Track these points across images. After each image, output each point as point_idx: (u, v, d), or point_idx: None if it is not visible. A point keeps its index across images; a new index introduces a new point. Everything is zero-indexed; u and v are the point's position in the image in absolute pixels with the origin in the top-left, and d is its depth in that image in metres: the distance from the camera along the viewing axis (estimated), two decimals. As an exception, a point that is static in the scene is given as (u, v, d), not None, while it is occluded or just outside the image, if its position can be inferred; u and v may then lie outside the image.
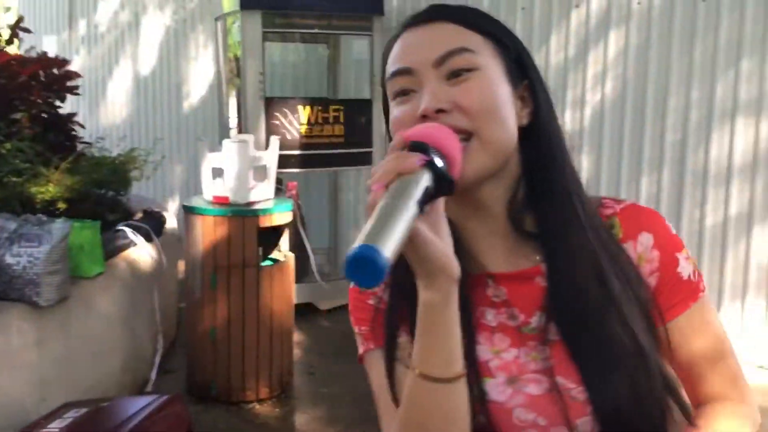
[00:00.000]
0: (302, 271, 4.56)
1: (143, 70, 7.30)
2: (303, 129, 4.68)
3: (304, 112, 4.68)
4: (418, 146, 0.72)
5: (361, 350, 0.92)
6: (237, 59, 4.91)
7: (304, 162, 4.72)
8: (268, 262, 3.49)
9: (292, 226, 3.93)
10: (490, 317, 0.86)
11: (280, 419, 3.30)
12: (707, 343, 0.86)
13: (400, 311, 0.86)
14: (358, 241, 0.61)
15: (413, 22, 0.86)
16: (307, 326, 4.51)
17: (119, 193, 4.15)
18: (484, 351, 0.85)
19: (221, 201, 3.43)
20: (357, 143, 4.85)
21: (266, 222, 3.41)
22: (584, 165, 4.58)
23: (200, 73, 6.79)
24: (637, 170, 4.36)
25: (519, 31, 4.77)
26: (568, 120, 4.60)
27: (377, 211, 0.66)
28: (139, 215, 4.11)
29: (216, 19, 5.41)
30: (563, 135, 0.90)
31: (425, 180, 0.70)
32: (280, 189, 4.14)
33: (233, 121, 5.06)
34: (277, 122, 4.61)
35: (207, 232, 3.33)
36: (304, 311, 4.60)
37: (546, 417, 0.82)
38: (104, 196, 4.02)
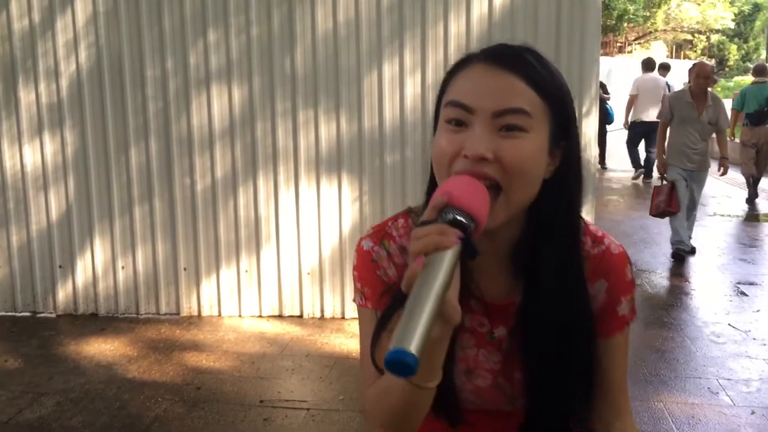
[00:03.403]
0: None
1: None
2: None
3: None
4: (457, 222, 0.81)
5: (357, 300, 1.07)
6: None
7: None
8: None
9: None
10: (466, 319, 1.03)
11: None
12: (622, 367, 1.06)
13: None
14: (393, 343, 0.70)
15: (488, 60, 0.93)
16: None
17: None
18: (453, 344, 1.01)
19: None
20: None
21: None
22: (68, 140, 4.32)
23: None
24: (125, 141, 4.28)
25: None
26: (43, 92, 4.24)
27: (408, 305, 0.74)
28: None
29: None
30: (582, 183, 1.00)
31: (456, 252, 0.79)
32: None
33: None
34: None
35: None
36: None
37: (487, 401, 1.07)
38: None
